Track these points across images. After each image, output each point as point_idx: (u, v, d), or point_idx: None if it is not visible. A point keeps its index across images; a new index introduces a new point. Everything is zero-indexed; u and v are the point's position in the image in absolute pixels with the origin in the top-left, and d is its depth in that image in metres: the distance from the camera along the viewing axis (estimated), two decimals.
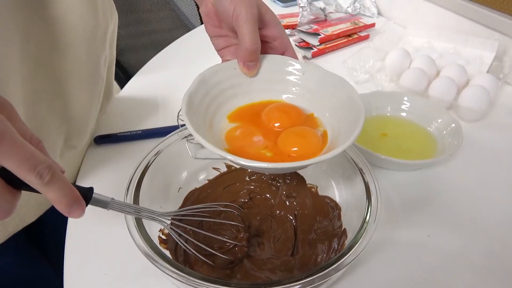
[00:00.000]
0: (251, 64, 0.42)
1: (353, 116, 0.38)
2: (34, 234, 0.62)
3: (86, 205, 0.32)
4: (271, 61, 0.44)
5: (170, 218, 0.40)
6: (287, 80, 0.45)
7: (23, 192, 0.51)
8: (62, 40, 0.46)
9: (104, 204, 0.35)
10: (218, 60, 0.85)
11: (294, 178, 0.52)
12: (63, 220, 0.49)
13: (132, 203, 0.41)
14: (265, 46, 0.44)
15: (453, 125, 0.61)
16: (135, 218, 0.39)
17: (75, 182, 0.58)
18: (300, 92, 0.44)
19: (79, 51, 0.48)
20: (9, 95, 0.42)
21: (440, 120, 0.63)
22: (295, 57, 0.45)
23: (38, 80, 0.46)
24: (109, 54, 0.60)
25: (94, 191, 0.34)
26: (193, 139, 0.54)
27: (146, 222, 0.40)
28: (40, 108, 0.47)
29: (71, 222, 0.51)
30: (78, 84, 0.50)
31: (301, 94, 0.44)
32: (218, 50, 0.47)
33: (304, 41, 0.92)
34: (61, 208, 0.30)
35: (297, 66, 0.44)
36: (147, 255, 0.36)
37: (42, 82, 0.46)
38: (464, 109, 0.67)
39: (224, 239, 0.43)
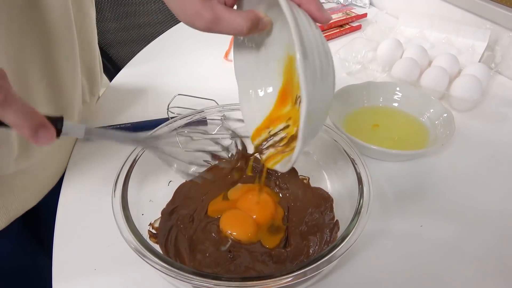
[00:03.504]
0: (260, 28, 0.37)
1: None
2: (33, 224, 0.62)
3: (58, 134, 0.30)
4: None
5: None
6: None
7: (20, 176, 0.50)
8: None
9: (79, 132, 0.32)
10: (208, 53, 0.84)
11: None
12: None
13: (120, 197, 0.40)
14: None
15: (445, 115, 0.60)
16: (124, 213, 0.38)
17: (63, 175, 0.57)
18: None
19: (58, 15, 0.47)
20: None
21: (432, 110, 0.63)
22: None
23: (26, 59, 0.45)
24: (88, 34, 0.59)
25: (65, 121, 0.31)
26: (184, 131, 0.53)
27: (135, 217, 0.39)
28: (29, 87, 0.47)
29: (60, 215, 0.50)
30: (60, 57, 0.50)
31: None
32: None
33: None
34: (25, 132, 0.28)
35: None
36: (136, 251, 0.35)
37: (29, 55, 0.46)
38: (456, 98, 0.67)
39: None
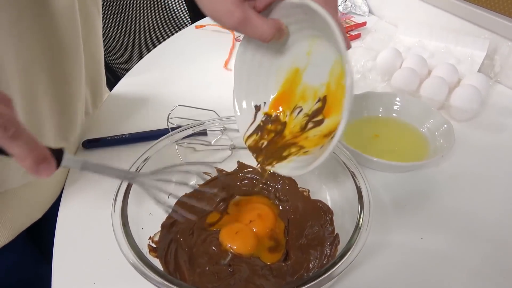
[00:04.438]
0: (278, 37, 0.39)
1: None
2: (37, 235, 0.62)
3: (57, 167, 0.32)
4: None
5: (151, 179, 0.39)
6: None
7: (27, 190, 0.50)
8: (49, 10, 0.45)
9: (76, 164, 0.34)
10: (207, 62, 0.84)
11: (286, 182, 0.52)
12: None
13: (120, 211, 0.40)
14: None
15: (445, 126, 0.60)
16: (124, 228, 0.38)
17: (63, 186, 0.57)
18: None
19: (65, 23, 0.48)
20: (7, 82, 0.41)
21: (432, 120, 0.63)
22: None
23: (34, 71, 0.45)
24: (93, 46, 0.59)
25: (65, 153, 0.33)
26: (184, 142, 0.53)
27: (135, 231, 0.39)
28: (36, 98, 0.47)
29: (60, 228, 0.50)
30: (67, 68, 0.50)
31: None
32: None
33: None
34: (27, 165, 0.29)
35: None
36: (135, 267, 0.35)
37: (37, 65, 0.46)
38: (455, 108, 0.67)
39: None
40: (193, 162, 0.55)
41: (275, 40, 0.38)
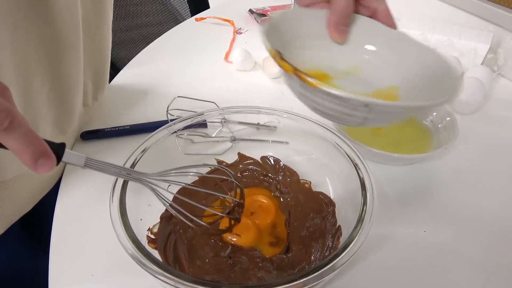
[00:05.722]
0: (343, 28, 0.41)
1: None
2: (33, 228, 0.62)
3: (58, 162, 0.30)
4: (358, 22, 0.43)
5: (158, 180, 0.38)
6: (365, 48, 0.44)
7: (19, 182, 0.49)
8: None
9: (79, 161, 0.33)
10: (208, 55, 0.83)
11: (287, 173, 0.51)
12: None
13: (118, 201, 0.39)
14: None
15: (448, 118, 0.60)
16: (122, 219, 0.37)
17: (60, 179, 0.56)
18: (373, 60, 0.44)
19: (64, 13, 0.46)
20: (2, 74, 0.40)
21: (435, 113, 0.62)
22: (388, 17, 0.45)
23: (31, 63, 0.45)
24: (102, 40, 0.59)
25: (67, 148, 0.31)
26: (183, 134, 0.52)
27: (134, 222, 0.39)
28: (31, 91, 0.46)
29: (57, 220, 0.50)
30: (64, 62, 0.50)
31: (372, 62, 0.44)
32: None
33: None
34: (25, 160, 0.28)
35: (383, 32, 0.44)
36: (134, 258, 0.34)
37: (33, 57, 0.45)
38: (459, 101, 0.66)
39: (216, 212, 0.40)
40: (193, 154, 0.54)
41: (337, 33, 0.40)
